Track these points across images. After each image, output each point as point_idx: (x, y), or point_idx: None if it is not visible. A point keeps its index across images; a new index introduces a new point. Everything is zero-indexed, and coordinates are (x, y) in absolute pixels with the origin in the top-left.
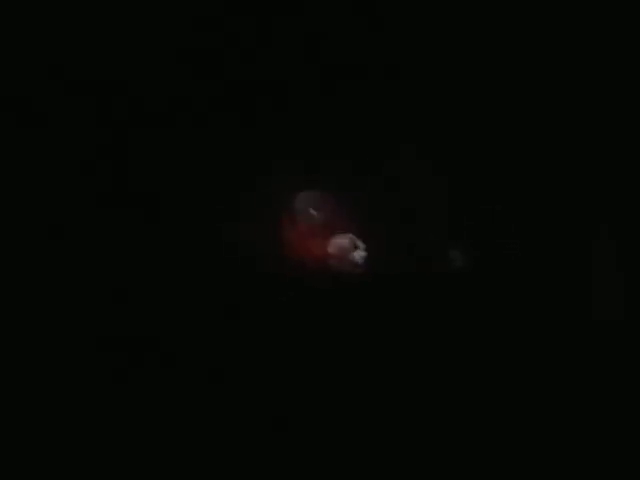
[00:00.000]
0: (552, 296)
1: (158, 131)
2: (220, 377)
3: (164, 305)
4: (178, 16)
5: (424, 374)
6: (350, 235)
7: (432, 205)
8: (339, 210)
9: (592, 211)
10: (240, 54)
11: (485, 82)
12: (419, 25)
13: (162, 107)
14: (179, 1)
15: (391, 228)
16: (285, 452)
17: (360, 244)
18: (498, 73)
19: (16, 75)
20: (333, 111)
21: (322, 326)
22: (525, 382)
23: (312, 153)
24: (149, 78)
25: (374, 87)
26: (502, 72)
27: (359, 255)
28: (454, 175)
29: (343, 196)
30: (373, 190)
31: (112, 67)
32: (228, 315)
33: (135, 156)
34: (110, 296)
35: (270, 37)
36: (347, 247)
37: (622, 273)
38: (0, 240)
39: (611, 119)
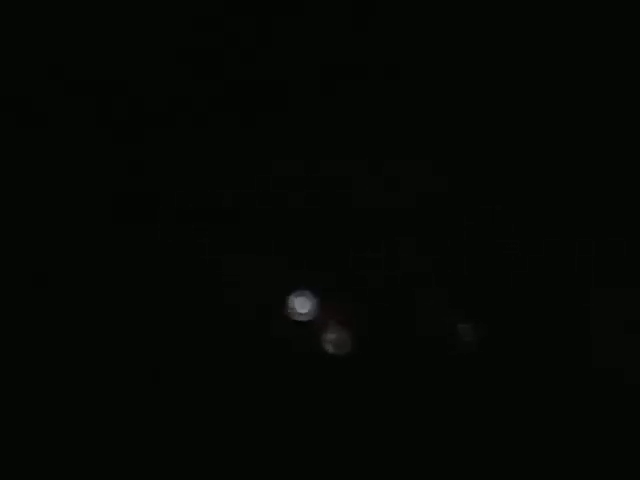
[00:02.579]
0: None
1: (158, 131)
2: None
3: (162, 307)
4: (178, 16)
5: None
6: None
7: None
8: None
9: (592, 211)
10: (240, 54)
11: (485, 82)
12: (419, 25)
13: (162, 107)
14: (179, 1)
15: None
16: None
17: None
18: (498, 73)
19: (16, 75)
20: (333, 111)
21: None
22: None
23: (312, 153)
24: (149, 78)
25: (374, 87)
26: (502, 72)
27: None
28: (454, 175)
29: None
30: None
31: (112, 67)
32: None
33: (135, 156)
34: (108, 295)
35: (270, 37)
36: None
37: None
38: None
39: (611, 120)
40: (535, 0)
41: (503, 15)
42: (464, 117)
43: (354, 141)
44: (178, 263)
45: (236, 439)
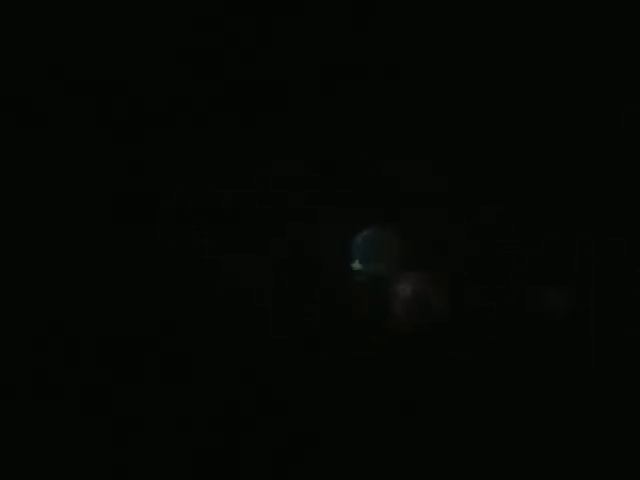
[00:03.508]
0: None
1: (158, 131)
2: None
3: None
4: (178, 16)
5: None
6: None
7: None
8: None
9: (593, 212)
10: (240, 54)
11: (485, 82)
12: (419, 25)
13: (162, 107)
14: (179, 1)
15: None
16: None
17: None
18: (498, 73)
19: (16, 75)
20: (333, 111)
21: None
22: None
23: (312, 153)
24: (149, 78)
25: (374, 87)
26: (502, 72)
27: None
28: (454, 175)
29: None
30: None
31: (112, 67)
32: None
33: (135, 156)
34: (107, 295)
35: (270, 37)
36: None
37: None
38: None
39: (612, 120)
40: (535, 0)
41: (503, 15)
42: (464, 117)
43: (354, 141)
44: (178, 263)
45: (235, 441)
